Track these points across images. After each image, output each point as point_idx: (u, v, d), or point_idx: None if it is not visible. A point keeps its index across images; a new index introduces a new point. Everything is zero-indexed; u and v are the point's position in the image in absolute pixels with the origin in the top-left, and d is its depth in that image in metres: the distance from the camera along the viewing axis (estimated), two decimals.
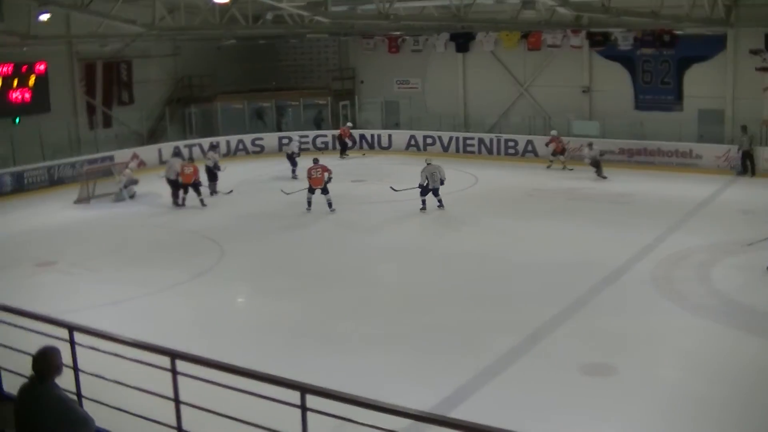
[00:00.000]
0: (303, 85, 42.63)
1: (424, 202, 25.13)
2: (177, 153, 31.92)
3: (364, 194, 27.40)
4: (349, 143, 37.24)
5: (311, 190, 25.56)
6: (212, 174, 28.89)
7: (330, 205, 25.38)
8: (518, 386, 12.50)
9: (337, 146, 37.27)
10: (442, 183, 25.08)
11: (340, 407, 6.41)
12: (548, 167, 32.54)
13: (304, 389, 6.59)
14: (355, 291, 17.74)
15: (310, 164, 26.06)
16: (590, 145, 30.44)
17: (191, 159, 29.79)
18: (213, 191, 28.57)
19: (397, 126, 39.37)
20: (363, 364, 13.34)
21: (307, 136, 38.40)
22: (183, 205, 27.08)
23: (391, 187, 26.75)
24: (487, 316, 15.83)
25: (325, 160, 27.34)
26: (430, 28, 34.44)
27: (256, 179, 31.50)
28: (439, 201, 25.16)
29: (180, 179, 26.86)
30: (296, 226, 24.28)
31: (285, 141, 35.89)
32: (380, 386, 10.68)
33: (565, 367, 13.05)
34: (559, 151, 32.21)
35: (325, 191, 25.36)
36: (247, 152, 37.67)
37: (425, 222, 24.10)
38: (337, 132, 37.59)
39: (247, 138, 38.19)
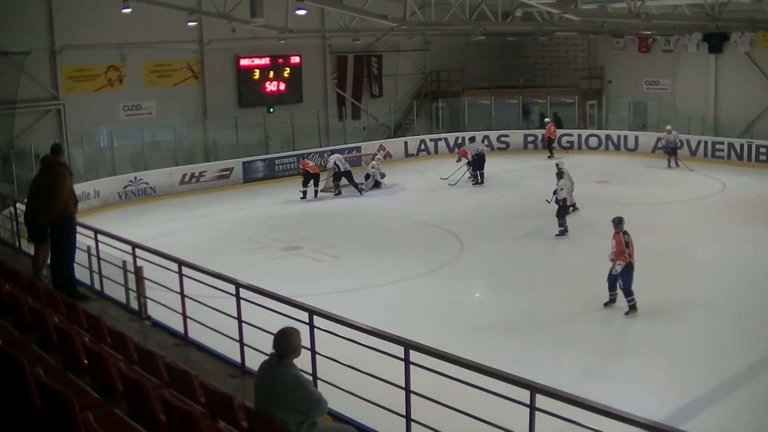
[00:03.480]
0: (550, 83, 42.21)
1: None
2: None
3: (607, 195, 26.80)
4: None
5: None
6: (348, 175, 29.19)
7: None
8: (755, 404, 11.96)
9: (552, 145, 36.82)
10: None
11: (569, 409, 6.32)
12: None
13: (534, 389, 6.55)
14: (594, 293, 17.36)
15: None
16: None
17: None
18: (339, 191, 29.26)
19: (644, 127, 38.26)
20: (596, 367, 13.13)
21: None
22: (339, 193, 29.04)
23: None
24: (731, 328, 15.19)
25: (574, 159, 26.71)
26: (683, 27, 33.28)
27: (497, 174, 31.46)
28: (573, 204, 24.49)
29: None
30: (535, 224, 23.97)
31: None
32: (612, 391, 10.52)
33: None
34: None
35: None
36: (492, 148, 37.76)
37: (668, 226, 23.26)
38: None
39: (493, 134, 38.34)
